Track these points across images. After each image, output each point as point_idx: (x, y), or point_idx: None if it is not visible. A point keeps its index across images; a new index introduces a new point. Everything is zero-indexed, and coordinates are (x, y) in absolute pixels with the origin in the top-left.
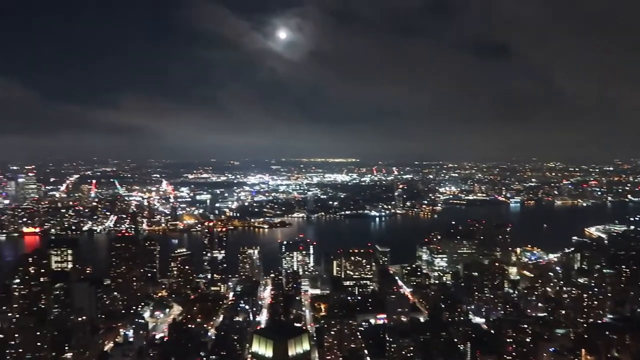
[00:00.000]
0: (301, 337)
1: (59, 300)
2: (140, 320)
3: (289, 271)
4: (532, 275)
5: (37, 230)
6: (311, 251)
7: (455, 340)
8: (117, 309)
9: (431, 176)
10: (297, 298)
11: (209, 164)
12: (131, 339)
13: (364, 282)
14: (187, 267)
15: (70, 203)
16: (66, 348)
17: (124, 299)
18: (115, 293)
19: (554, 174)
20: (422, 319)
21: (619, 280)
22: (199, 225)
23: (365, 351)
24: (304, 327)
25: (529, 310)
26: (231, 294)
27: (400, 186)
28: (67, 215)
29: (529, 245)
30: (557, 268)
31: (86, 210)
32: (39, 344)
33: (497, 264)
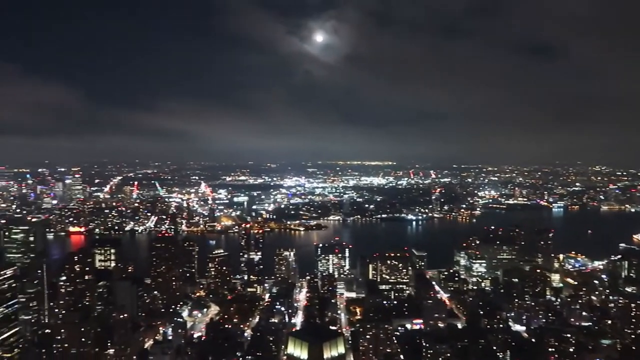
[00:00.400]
0: (336, 340)
1: (102, 297)
2: (179, 319)
3: (324, 274)
4: (576, 283)
5: (83, 229)
6: (347, 254)
7: (494, 348)
8: (157, 308)
9: (470, 180)
10: (332, 301)
11: (246, 167)
12: (170, 337)
13: (400, 286)
14: (224, 267)
15: (114, 204)
16: (108, 344)
17: (164, 298)
18: (155, 292)
19: (599, 178)
20: (459, 325)
21: None
22: (236, 227)
23: (401, 356)
24: (339, 331)
25: (572, 319)
26: (267, 295)
27: (438, 190)
28: (110, 215)
29: (573, 252)
30: (603, 276)
31: (128, 211)
32: (83, 339)
33: (538, 271)
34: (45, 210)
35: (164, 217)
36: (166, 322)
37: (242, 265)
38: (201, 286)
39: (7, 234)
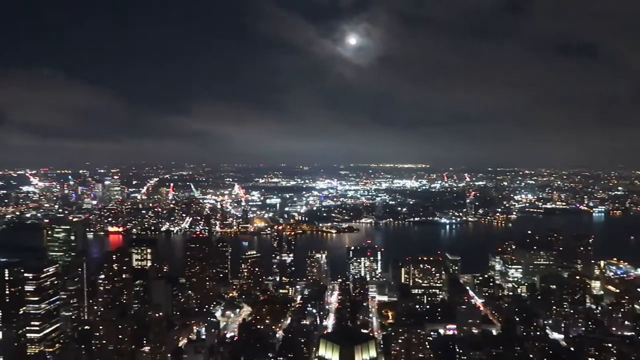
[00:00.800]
0: (368, 344)
1: (138, 296)
2: (212, 319)
3: (356, 277)
4: (618, 291)
5: (121, 229)
6: (379, 257)
7: (531, 356)
8: (191, 307)
9: (505, 183)
10: (364, 304)
11: (279, 169)
12: (204, 337)
13: (433, 290)
14: (256, 269)
15: (150, 205)
16: (144, 342)
17: (198, 298)
18: (190, 292)
19: None
20: (494, 332)
21: None
22: (269, 229)
23: None
24: (371, 334)
25: (613, 328)
26: (299, 297)
27: (472, 193)
28: (147, 216)
29: (615, 259)
30: None
31: (164, 212)
32: (120, 336)
33: (577, 277)
34: (85, 210)
35: (199, 218)
36: (200, 322)
37: (274, 266)
38: (234, 287)
39: (50, 232)
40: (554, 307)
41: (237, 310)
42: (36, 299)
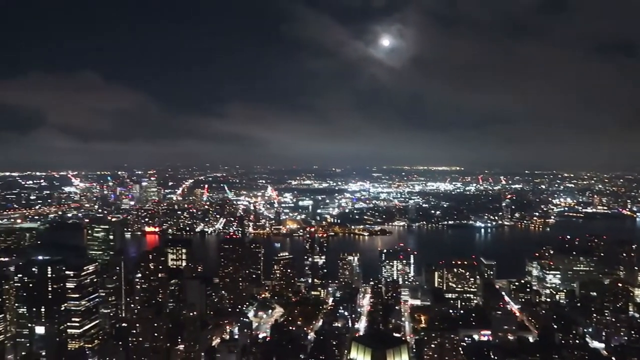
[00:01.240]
0: (400, 348)
1: (173, 295)
2: (245, 319)
3: (388, 280)
4: None
5: (157, 229)
6: (412, 261)
7: None
8: (224, 307)
9: (543, 186)
10: (396, 308)
11: (311, 171)
12: (237, 337)
13: (467, 295)
14: (289, 270)
15: (185, 206)
16: (179, 340)
17: (231, 298)
18: (223, 292)
19: None
20: (531, 339)
21: None
22: (301, 231)
23: None
24: (403, 338)
25: None
26: (331, 299)
27: (509, 196)
28: (182, 216)
29: None
30: None
31: (199, 213)
32: (156, 334)
33: (620, 285)
34: (123, 210)
35: (232, 219)
36: (233, 322)
37: (307, 268)
38: (266, 288)
39: (90, 232)
40: (595, 315)
41: (270, 311)
42: (77, 296)
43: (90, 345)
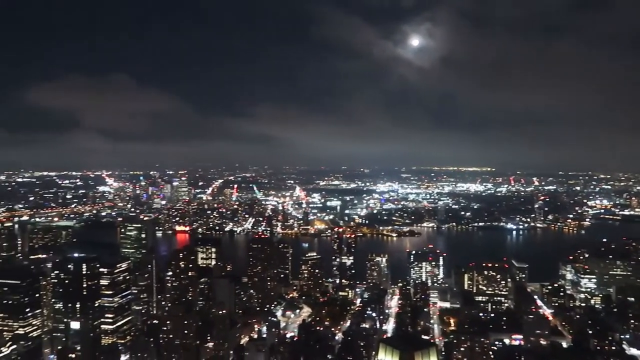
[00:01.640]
0: (429, 350)
1: (203, 293)
2: (273, 319)
3: (417, 281)
4: None
5: (187, 228)
6: (441, 262)
7: None
8: (252, 306)
9: (578, 187)
10: (425, 310)
11: (339, 172)
12: (265, 336)
13: (498, 298)
14: (317, 270)
15: (215, 205)
16: (208, 338)
17: (259, 297)
18: (252, 291)
19: None
20: (564, 344)
21: None
22: (329, 231)
23: None
24: (432, 341)
25: None
26: (358, 300)
27: (542, 198)
28: (212, 216)
29: None
30: None
31: (228, 213)
32: (186, 331)
33: None
34: (155, 209)
35: (261, 219)
36: (261, 321)
37: (334, 268)
38: (294, 287)
39: (123, 230)
40: (632, 321)
41: (297, 310)
42: (110, 292)
43: (122, 341)
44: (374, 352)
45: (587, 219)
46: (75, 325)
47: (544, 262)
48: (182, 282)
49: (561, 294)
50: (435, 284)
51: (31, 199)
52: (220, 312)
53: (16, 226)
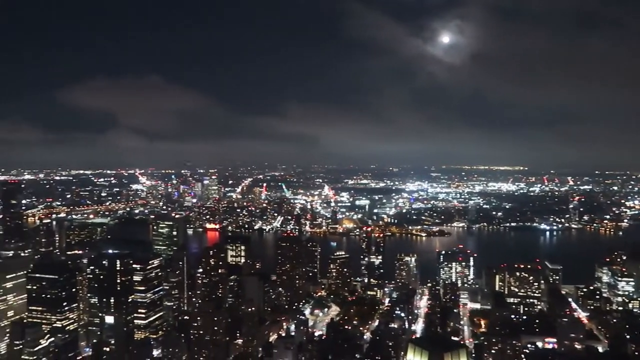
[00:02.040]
0: (459, 352)
1: (232, 290)
2: (301, 317)
3: (447, 282)
4: None
5: (217, 226)
6: (471, 263)
7: None
8: (281, 304)
9: (615, 187)
10: (455, 310)
11: (368, 170)
12: (293, 334)
13: (531, 300)
14: (345, 269)
15: (244, 204)
16: (237, 334)
17: (288, 295)
18: (280, 289)
19: None
20: (600, 349)
21: None
22: (357, 230)
23: None
24: (462, 342)
25: None
26: (387, 299)
27: (577, 198)
28: (241, 214)
29: None
30: None
31: (257, 211)
32: (216, 328)
33: None
34: (186, 207)
35: (289, 217)
36: (289, 319)
37: (363, 268)
38: (322, 286)
39: (155, 228)
40: None
41: (326, 309)
42: (143, 288)
43: (154, 336)
44: (402, 353)
45: (625, 220)
46: (109, 319)
47: (579, 263)
48: (212, 279)
49: (597, 297)
50: (466, 285)
51: (68, 196)
52: (249, 310)
53: (54, 223)
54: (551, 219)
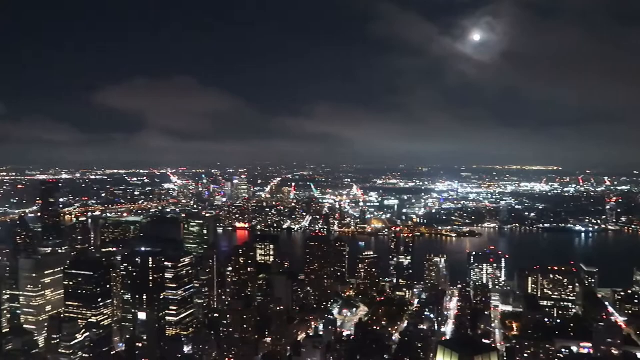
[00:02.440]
0: (489, 355)
1: (261, 289)
2: (330, 316)
3: (477, 283)
4: None
5: (246, 225)
6: (503, 264)
7: None
8: (309, 303)
9: None
10: (486, 313)
11: (397, 170)
12: (321, 333)
13: (565, 304)
14: (373, 269)
15: (273, 203)
16: (266, 333)
17: (316, 295)
18: (309, 288)
19: None
20: (639, 355)
21: None
22: (386, 230)
23: None
24: (493, 345)
25: None
26: (416, 300)
27: (614, 199)
28: (270, 214)
29: None
30: None
31: (286, 210)
32: (245, 326)
33: None
34: (216, 206)
35: (318, 217)
36: (318, 318)
37: (391, 268)
38: (351, 286)
39: (186, 226)
40: None
41: (354, 309)
42: (174, 286)
43: (185, 333)
44: (432, 355)
45: None
46: (142, 316)
47: (616, 266)
48: (242, 278)
49: (636, 301)
50: (497, 287)
51: (103, 195)
52: (278, 308)
53: (90, 221)
54: (587, 220)
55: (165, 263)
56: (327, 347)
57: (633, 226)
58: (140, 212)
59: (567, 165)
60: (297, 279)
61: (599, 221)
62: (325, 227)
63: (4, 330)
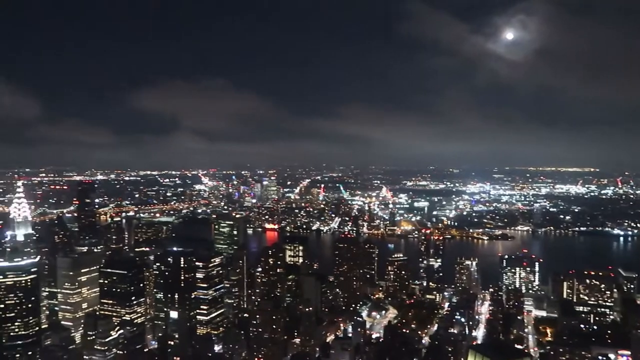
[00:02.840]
0: None
1: (290, 290)
2: (358, 318)
3: (510, 287)
4: None
5: (276, 226)
6: (536, 268)
7: None
8: (338, 305)
9: None
10: (518, 317)
11: (427, 172)
12: (350, 335)
13: (602, 309)
14: (403, 272)
15: (302, 204)
16: (295, 333)
17: (345, 296)
18: (337, 290)
19: None
20: None
21: None
22: (416, 232)
23: None
24: (526, 351)
25: None
26: (446, 304)
27: None
28: (299, 215)
29: None
30: None
31: (315, 212)
32: (274, 326)
33: None
34: (246, 207)
35: (347, 218)
36: (346, 320)
37: (421, 271)
38: (380, 288)
39: (217, 227)
40: None
41: (383, 312)
42: (205, 285)
43: (215, 332)
44: (462, 359)
45: None
46: (174, 314)
47: None
48: (271, 278)
49: None
50: (530, 291)
51: (136, 196)
52: (307, 309)
53: (124, 221)
54: (625, 224)
55: (197, 263)
56: (355, 349)
57: None
58: (172, 212)
59: (605, 166)
60: (326, 281)
61: (638, 224)
62: (354, 228)
63: (43, 326)
